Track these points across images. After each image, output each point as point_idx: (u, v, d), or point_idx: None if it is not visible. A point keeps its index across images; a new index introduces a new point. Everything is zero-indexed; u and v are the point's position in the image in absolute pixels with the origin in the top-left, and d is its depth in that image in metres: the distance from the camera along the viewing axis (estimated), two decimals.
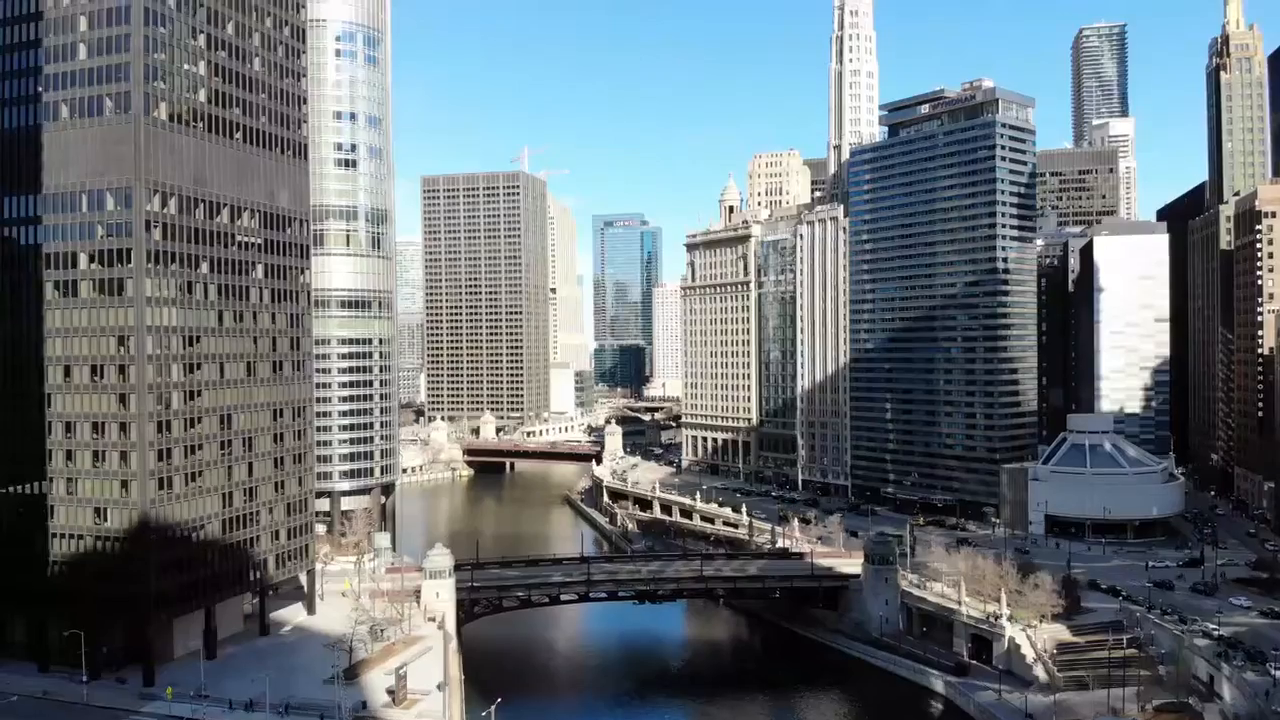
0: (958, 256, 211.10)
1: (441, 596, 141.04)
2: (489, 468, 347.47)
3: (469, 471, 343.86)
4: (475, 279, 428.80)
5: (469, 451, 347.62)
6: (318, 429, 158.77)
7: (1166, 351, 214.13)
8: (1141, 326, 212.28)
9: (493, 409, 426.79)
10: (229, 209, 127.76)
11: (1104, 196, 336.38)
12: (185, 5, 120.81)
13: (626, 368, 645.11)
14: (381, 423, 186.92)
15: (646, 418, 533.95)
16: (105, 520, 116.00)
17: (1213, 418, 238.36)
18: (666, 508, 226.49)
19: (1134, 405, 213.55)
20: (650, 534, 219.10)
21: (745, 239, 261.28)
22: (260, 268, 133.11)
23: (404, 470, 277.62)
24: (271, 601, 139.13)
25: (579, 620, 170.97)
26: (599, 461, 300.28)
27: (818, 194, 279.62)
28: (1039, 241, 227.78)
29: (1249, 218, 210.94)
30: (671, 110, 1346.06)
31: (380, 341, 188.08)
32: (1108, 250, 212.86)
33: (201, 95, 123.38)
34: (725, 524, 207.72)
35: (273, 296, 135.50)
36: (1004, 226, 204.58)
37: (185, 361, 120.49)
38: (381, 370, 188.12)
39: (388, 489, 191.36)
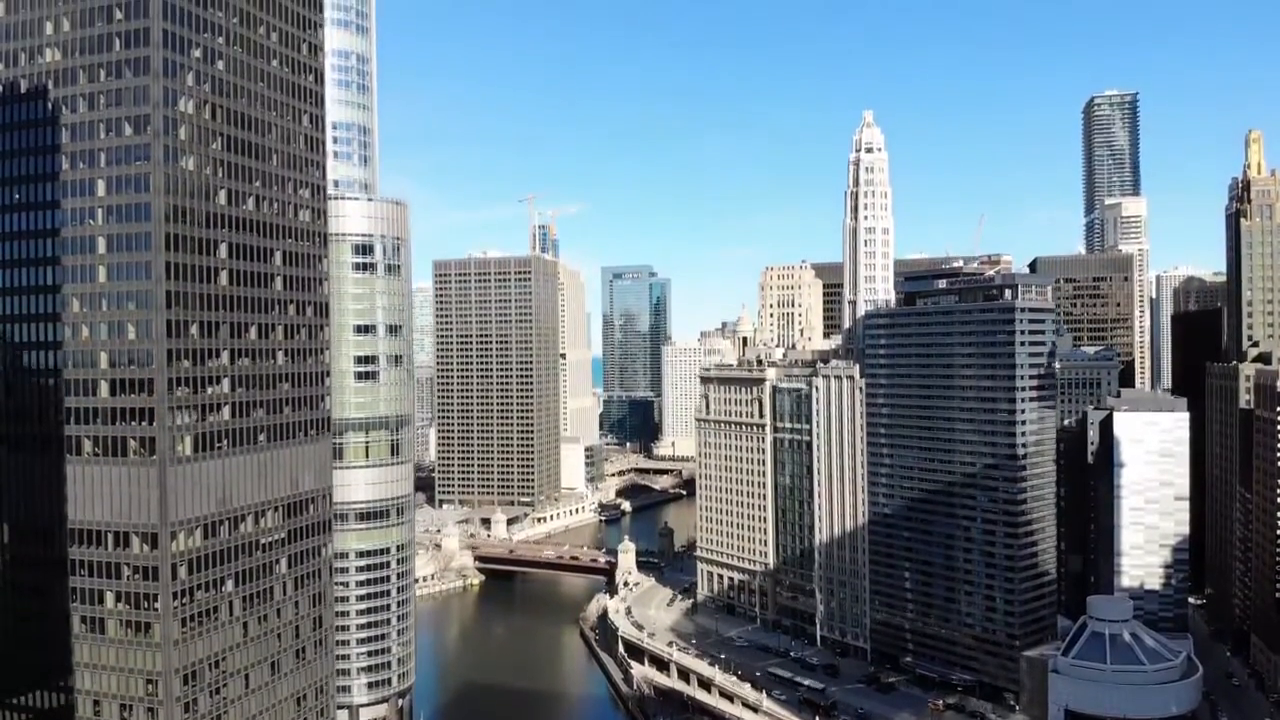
0: (976, 436, 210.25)
1: None
2: (500, 573, 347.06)
3: (479, 579, 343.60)
4: (486, 361, 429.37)
5: (480, 559, 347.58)
6: (336, 643, 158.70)
7: (1186, 530, 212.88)
8: (1161, 504, 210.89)
9: (502, 490, 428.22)
10: (253, 515, 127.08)
11: (1119, 304, 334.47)
12: (207, 330, 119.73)
13: (635, 419, 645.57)
14: (399, 630, 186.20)
15: (657, 485, 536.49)
16: None
17: (1230, 571, 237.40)
18: (684, 673, 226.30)
19: (1154, 582, 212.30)
20: (668, 707, 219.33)
21: (760, 381, 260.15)
22: (284, 561, 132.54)
23: (416, 580, 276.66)
24: None
25: None
26: (611, 585, 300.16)
27: (832, 342, 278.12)
28: (1057, 364, 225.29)
29: (1269, 394, 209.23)
30: (682, 153, 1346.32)
31: (398, 548, 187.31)
32: (1127, 426, 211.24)
33: (226, 414, 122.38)
34: (745, 705, 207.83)
35: (295, 584, 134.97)
36: (1023, 410, 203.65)
37: (212, 687, 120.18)
38: (399, 578, 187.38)
39: (404, 691, 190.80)
